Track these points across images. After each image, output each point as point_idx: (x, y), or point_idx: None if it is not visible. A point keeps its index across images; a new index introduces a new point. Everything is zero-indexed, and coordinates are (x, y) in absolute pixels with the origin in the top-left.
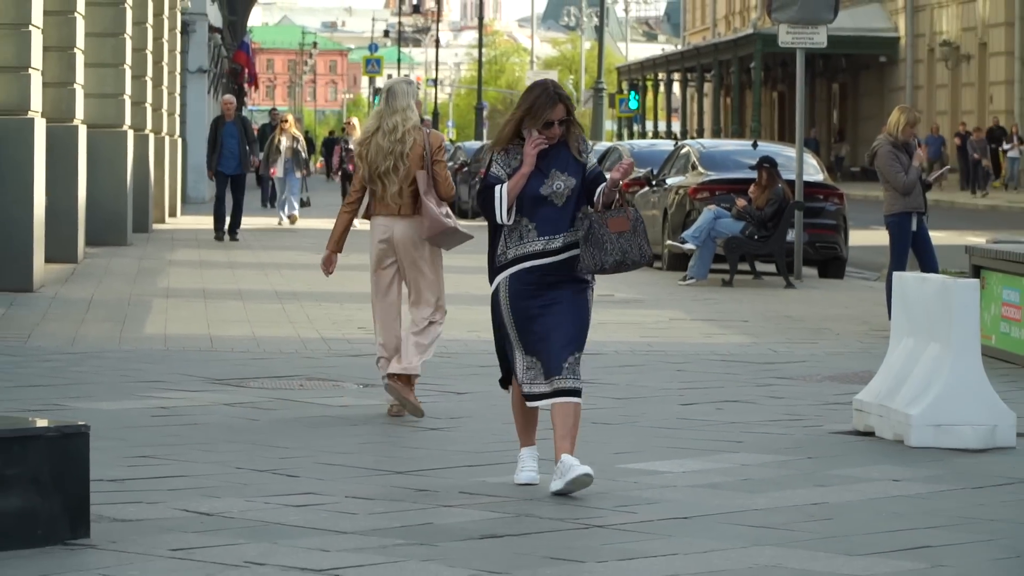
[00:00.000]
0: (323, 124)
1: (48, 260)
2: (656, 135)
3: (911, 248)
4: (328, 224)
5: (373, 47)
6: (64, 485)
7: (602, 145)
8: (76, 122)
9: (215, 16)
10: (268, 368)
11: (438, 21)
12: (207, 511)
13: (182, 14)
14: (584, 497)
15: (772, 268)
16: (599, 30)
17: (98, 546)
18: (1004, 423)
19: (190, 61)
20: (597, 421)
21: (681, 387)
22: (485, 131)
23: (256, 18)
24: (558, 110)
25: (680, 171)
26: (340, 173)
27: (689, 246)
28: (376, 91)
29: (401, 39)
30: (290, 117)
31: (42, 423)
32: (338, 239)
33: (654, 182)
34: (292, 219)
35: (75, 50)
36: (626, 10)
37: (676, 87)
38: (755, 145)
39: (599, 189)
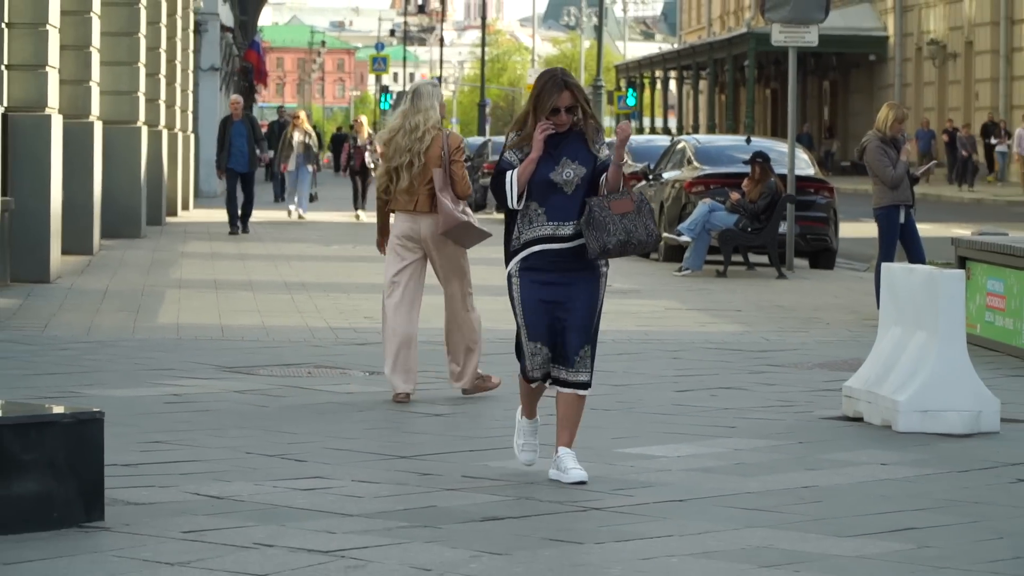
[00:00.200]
0: (331, 120)
1: (64, 252)
2: (653, 131)
3: (899, 240)
4: (335, 218)
5: (380, 46)
6: (79, 469)
7: None
8: (92, 118)
9: (227, 16)
10: (277, 356)
11: (442, 21)
12: (218, 494)
13: (195, 14)
14: (580, 480)
15: (765, 259)
16: (598, 29)
17: (112, 529)
18: (988, 409)
19: (202, 59)
20: (595, 407)
21: (676, 374)
22: (488, 127)
23: (266, 18)
24: (564, 97)
25: (676, 166)
26: (348, 170)
27: (685, 238)
28: (383, 88)
29: (407, 38)
30: (302, 113)
31: (58, 410)
32: (383, 228)
33: (651, 176)
34: (300, 218)
35: (91, 49)
36: (624, 10)
37: (672, 84)
38: (749, 140)
39: (604, 175)
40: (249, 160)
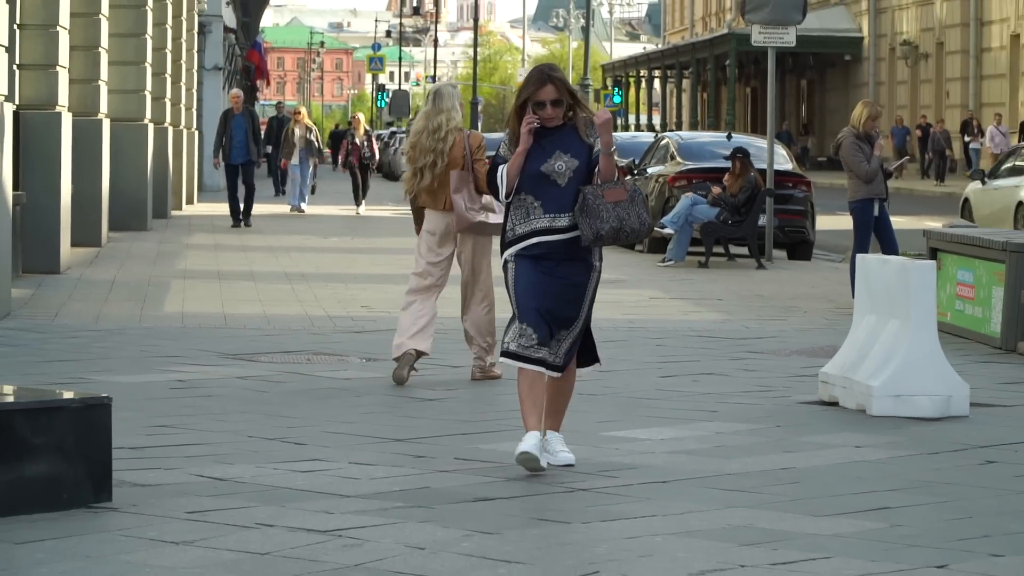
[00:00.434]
0: (330, 118)
1: (74, 244)
2: (638, 128)
3: (873, 232)
4: (335, 211)
5: (376, 46)
6: (88, 452)
7: None
8: (100, 116)
9: (230, 17)
10: (278, 344)
11: (436, 22)
12: (220, 476)
13: (199, 16)
14: (567, 463)
15: (745, 251)
16: (585, 30)
17: (119, 509)
18: (958, 394)
19: (206, 59)
20: (582, 392)
21: (660, 361)
22: (480, 124)
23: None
24: (547, 90)
25: (660, 161)
26: (347, 166)
27: (668, 231)
28: (380, 87)
29: (402, 39)
30: (303, 109)
31: (68, 395)
32: (419, 223)
33: (636, 171)
34: (299, 211)
35: (100, 49)
36: (610, 12)
37: (657, 83)
38: (729, 137)
39: (597, 167)
40: (248, 151)
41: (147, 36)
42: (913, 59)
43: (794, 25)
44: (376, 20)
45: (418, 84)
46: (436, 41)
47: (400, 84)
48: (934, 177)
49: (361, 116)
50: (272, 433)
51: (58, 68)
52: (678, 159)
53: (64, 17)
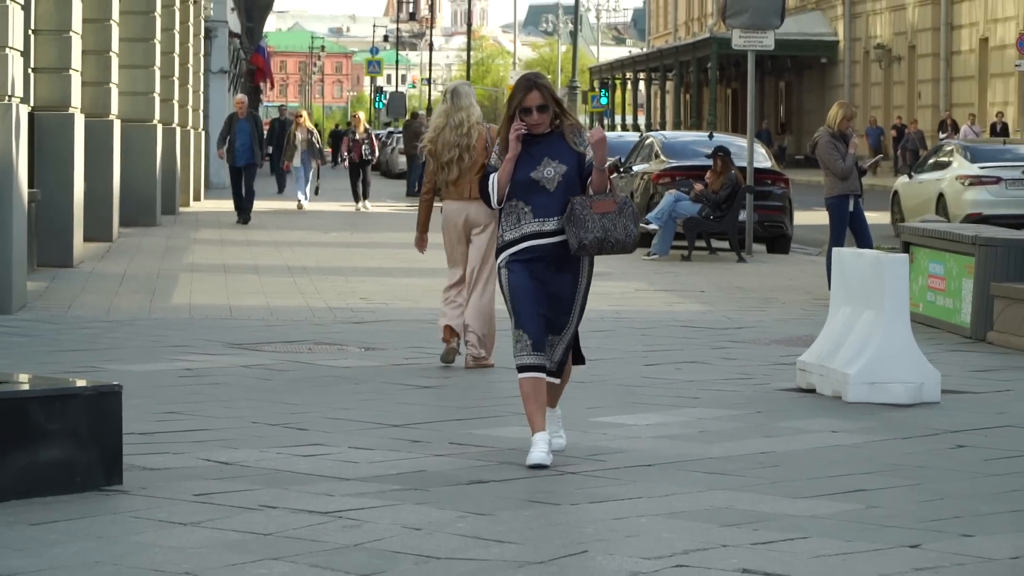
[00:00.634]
0: (330, 118)
1: (87, 239)
2: (624, 128)
3: (848, 226)
4: (334, 207)
5: (374, 50)
6: (100, 438)
7: None
8: (111, 117)
9: (234, 23)
10: (280, 334)
11: (431, 28)
12: (226, 460)
13: (205, 21)
14: (559, 449)
15: (726, 245)
16: (573, 35)
17: (130, 492)
18: (930, 381)
19: (212, 63)
20: (571, 380)
21: (645, 350)
22: None
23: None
24: (532, 96)
25: (645, 159)
26: (348, 162)
27: (653, 226)
28: (378, 89)
29: (399, 43)
30: (304, 112)
31: (80, 383)
32: (424, 222)
33: (622, 169)
34: (299, 207)
35: (111, 53)
36: (597, 17)
37: (642, 85)
38: (711, 136)
39: (589, 179)
40: (251, 153)
41: (156, 41)
42: (886, 62)
43: (772, 29)
44: (374, 25)
45: (414, 87)
46: (431, 45)
47: (397, 86)
48: (907, 175)
49: (361, 115)
50: (275, 419)
51: (71, 71)
52: (662, 157)
53: (76, 23)
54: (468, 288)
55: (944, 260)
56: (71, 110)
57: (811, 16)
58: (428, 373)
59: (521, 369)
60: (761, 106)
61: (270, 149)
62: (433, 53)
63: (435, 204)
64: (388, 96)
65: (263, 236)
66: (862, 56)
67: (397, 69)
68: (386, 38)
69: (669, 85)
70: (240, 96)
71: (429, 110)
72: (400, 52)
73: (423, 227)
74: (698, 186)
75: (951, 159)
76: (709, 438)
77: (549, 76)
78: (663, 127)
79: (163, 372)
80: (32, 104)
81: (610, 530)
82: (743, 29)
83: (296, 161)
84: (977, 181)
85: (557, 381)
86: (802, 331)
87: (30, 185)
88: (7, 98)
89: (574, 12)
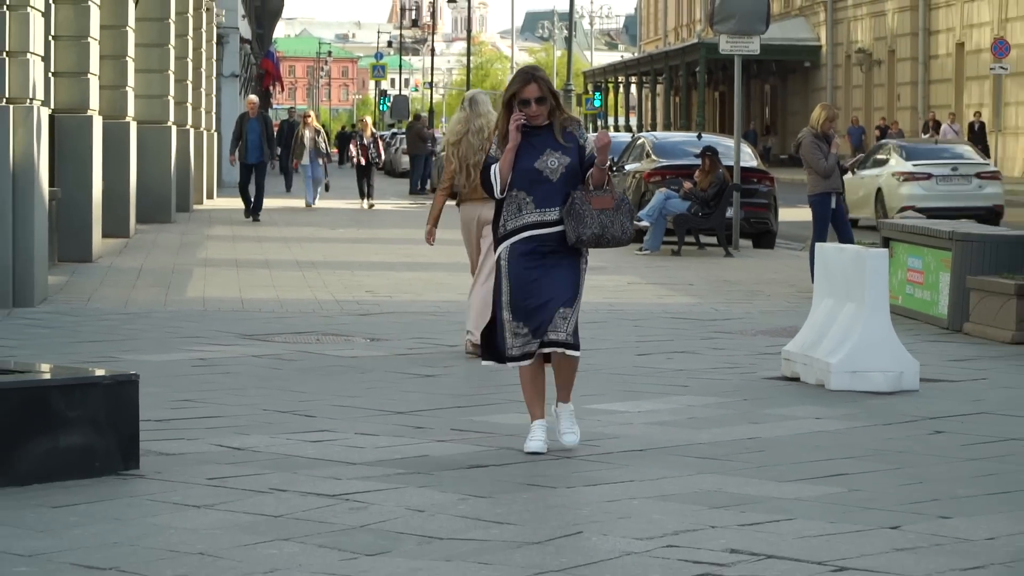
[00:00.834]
0: (336, 120)
1: (105, 235)
2: (616, 129)
3: (831, 223)
4: (342, 205)
5: (379, 55)
6: (117, 425)
7: None
8: (128, 119)
9: (245, 29)
10: (290, 325)
11: (433, 34)
12: (238, 446)
13: (217, 28)
14: (571, 445)
15: (714, 240)
16: (568, 41)
17: (146, 476)
18: (909, 370)
19: (224, 67)
20: None
21: (637, 340)
22: None
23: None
24: (531, 88)
25: (636, 159)
26: (355, 163)
27: (644, 223)
28: (382, 92)
29: (402, 49)
30: (312, 113)
31: (99, 372)
32: (436, 216)
33: (614, 168)
34: (309, 206)
35: (127, 58)
36: (591, 23)
37: (633, 88)
38: (700, 137)
39: (588, 172)
40: (261, 152)
41: (170, 46)
42: (867, 66)
43: (758, 35)
44: (379, 32)
45: (416, 90)
46: (433, 51)
47: (400, 90)
48: (851, 171)
49: (368, 119)
50: (285, 406)
51: (89, 75)
52: (653, 157)
53: (95, 29)
54: (475, 276)
55: (922, 255)
56: (89, 112)
57: (795, 22)
58: (430, 363)
59: (518, 359)
60: (747, 108)
61: (279, 149)
62: (435, 58)
63: (448, 203)
64: (392, 99)
65: (273, 232)
66: (844, 60)
67: (400, 73)
68: (390, 43)
69: (660, 88)
70: (251, 97)
71: (431, 112)
72: (403, 57)
73: (434, 220)
74: (687, 184)
75: (888, 157)
76: (698, 424)
77: None
78: (654, 128)
79: (178, 362)
80: (52, 107)
81: (604, 512)
82: (730, 35)
83: (304, 159)
84: (911, 177)
85: (577, 353)
86: (787, 322)
87: (51, 184)
88: (29, 101)
89: (569, 19)
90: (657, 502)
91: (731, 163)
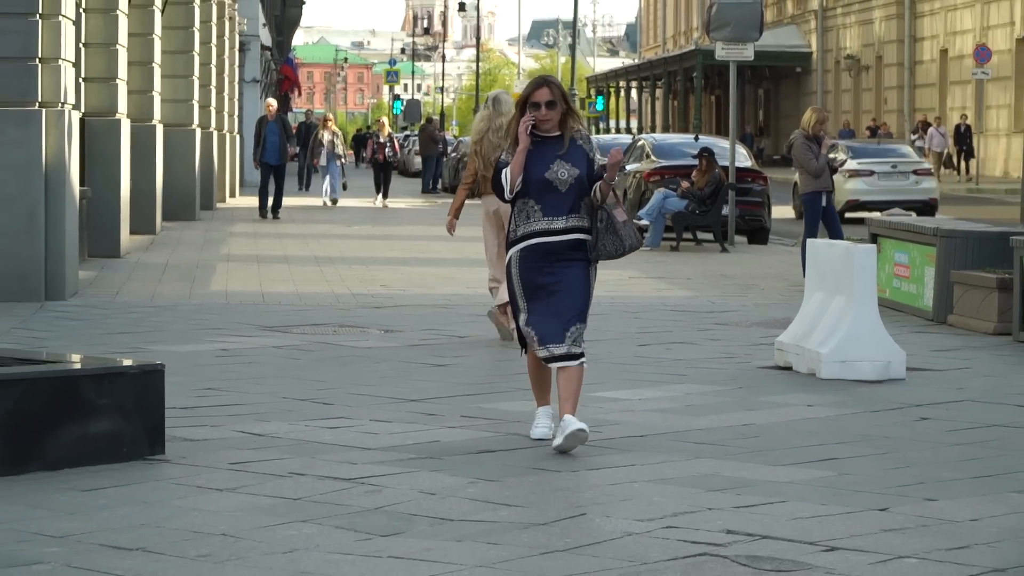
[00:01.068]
0: (352, 123)
1: (132, 232)
2: (618, 131)
3: (821, 220)
4: (358, 203)
5: (392, 62)
6: (144, 412)
7: None
8: (154, 122)
9: (266, 37)
10: (308, 318)
11: (444, 41)
12: (259, 432)
13: (239, 35)
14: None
15: (710, 237)
16: (572, 48)
17: (171, 461)
18: (896, 360)
19: (246, 73)
20: None
21: (638, 331)
22: None
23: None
24: (541, 92)
25: (637, 159)
26: (372, 163)
27: (644, 221)
28: (395, 97)
29: (415, 55)
30: (330, 116)
31: (127, 362)
32: (457, 208)
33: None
34: (334, 202)
35: (153, 64)
36: (594, 31)
37: (634, 92)
38: (697, 138)
39: (596, 185)
40: (280, 154)
41: (195, 53)
42: (855, 71)
43: (752, 42)
44: (392, 39)
45: (428, 94)
46: (444, 57)
47: (413, 94)
48: None
49: (385, 120)
50: (303, 395)
51: (118, 81)
52: (653, 158)
53: (123, 36)
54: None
55: (908, 250)
56: (118, 116)
57: (787, 29)
58: (442, 353)
59: (546, 360)
60: (742, 111)
61: (297, 149)
62: (445, 64)
63: (468, 201)
64: (405, 103)
65: (292, 229)
66: (833, 66)
67: (413, 78)
68: (403, 51)
69: (659, 92)
70: (270, 100)
71: (442, 116)
72: (416, 63)
73: (455, 212)
74: (685, 184)
75: (837, 156)
76: (696, 411)
77: None
78: (653, 130)
79: (202, 352)
80: (83, 110)
81: (606, 495)
82: (725, 42)
83: (323, 160)
84: (855, 174)
85: (577, 364)
86: (780, 314)
87: (81, 184)
88: (60, 105)
89: (573, 27)
90: (657, 485)
91: (727, 163)
